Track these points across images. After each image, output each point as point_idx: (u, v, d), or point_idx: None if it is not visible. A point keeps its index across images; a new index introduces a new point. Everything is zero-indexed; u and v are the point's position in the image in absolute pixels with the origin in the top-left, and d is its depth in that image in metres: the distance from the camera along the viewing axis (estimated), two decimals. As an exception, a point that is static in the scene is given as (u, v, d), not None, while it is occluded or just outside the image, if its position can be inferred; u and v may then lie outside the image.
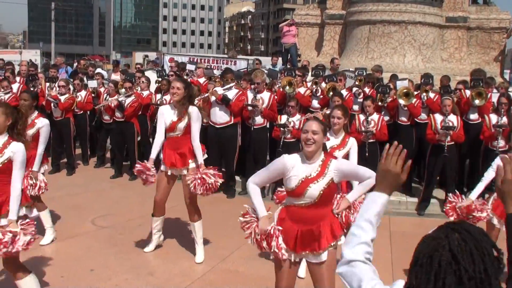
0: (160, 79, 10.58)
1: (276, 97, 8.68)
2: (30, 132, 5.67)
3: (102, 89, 10.56)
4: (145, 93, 9.74)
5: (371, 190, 2.20)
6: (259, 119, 8.40)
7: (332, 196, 3.68)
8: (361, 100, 8.39)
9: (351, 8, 12.71)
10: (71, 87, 9.89)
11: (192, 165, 5.41)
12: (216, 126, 8.29)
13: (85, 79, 11.05)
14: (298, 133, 7.78)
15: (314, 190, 3.47)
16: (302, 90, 9.09)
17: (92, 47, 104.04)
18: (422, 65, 11.73)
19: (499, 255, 1.56)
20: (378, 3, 12.01)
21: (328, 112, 7.47)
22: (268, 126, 8.60)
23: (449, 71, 11.40)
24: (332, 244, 3.55)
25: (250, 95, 8.43)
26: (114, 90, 9.49)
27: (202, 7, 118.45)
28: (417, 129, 8.45)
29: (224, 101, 8.10)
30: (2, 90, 9.40)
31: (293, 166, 3.54)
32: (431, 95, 8.56)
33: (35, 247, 5.47)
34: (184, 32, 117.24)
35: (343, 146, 5.20)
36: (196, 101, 6.04)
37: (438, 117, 7.71)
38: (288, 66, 12.97)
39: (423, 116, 8.50)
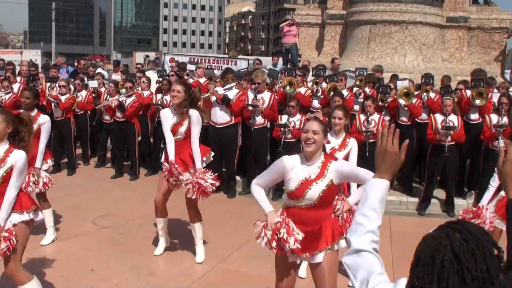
0: (160, 79, 10.60)
1: (276, 97, 8.68)
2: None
3: (102, 89, 10.57)
4: (146, 93, 9.75)
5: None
6: (259, 119, 8.40)
7: (333, 198, 3.66)
8: (362, 100, 8.39)
9: (351, 8, 12.71)
10: (71, 87, 9.90)
11: (187, 179, 5.40)
12: (217, 126, 8.28)
13: (85, 79, 11.06)
14: (299, 133, 7.78)
15: (314, 192, 3.46)
16: (302, 90, 9.09)
17: (92, 47, 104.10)
18: (422, 65, 11.73)
19: (500, 254, 1.56)
20: (378, 3, 12.00)
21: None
22: (268, 126, 8.60)
23: (450, 71, 11.39)
24: (329, 246, 3.53)
25: (250, 95, 8.43)
26: (114, 90, 9.50)
27: (203, 7, 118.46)
28: (418, 129, 8.44)
29: (224, 101, 8.10)
30: (3, 90, 9.41)
31: (292, 167, 3.54)
32: (432, 95, 8.56)
33: (35, 247, 5.49)
34: (184, 32, 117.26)
35: (344, 147, 5.19)
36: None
37: (439, 117, 7.70)
38: (289, 66, 12.97)
39: (424, 116, 8.50)
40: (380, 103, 8.40)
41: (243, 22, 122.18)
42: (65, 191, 8.01)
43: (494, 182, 5.12)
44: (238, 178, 8.76)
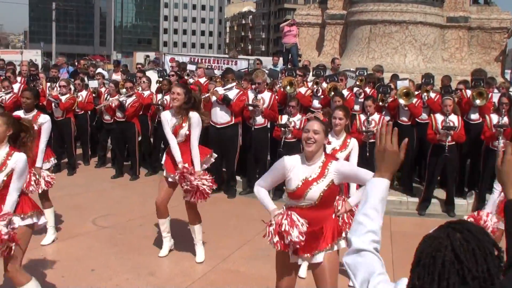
0: (161, 79, 10.60)
1: (277, 97, 8.68)
2: None
3: (103, 89, 10.57)
4: (146, 93, 9.75)
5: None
6: (259, 119, 8.40)
7: (334, 198, 3.66)
8: (362, 100, 8.39)
9: (352, 8, 12.71)
10: (72, 87, 9.90)
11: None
12: (217, 126, 8.28)
13: (86, 79, 11.06)
14: (299, 133, 7.79)
15: (315, 191, 3.46)
16: (303, 90, 9.09)
17: (93, 47, 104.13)
18: (423, 65, 11.73)
19: (500, 254, 1.56)
20: (379, 3, 12.00)
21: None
22: (269, 126, 8.59)
23: (450, 71, 11.39)
24: (329, 246, 3.52)
25: (251, 95, 8.43)
26: (114, 90, 9.50)
27: (203, 7, 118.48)
28: (418, 129, 8.44)
29: (225, 101, 8.10)
30: (3, 90, 9.41)
31: (293, 167, 3.54)
32: (432, 95, 8.56)
33: (36, 247, 5.49)
34: (185, 32, 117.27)
35: (345, 148, 5.19)
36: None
37: (439, 117, 7.70)
38: (289, 66, 12.97)
39: (424, 116, 8.50)
40: (381, 103, 8.40)
41: (243, 22, 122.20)
42: (66, 191, 8.01)
43: (498, 185, 5.11)
44: (238, 178, 8.76)
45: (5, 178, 3.83)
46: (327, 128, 3.73)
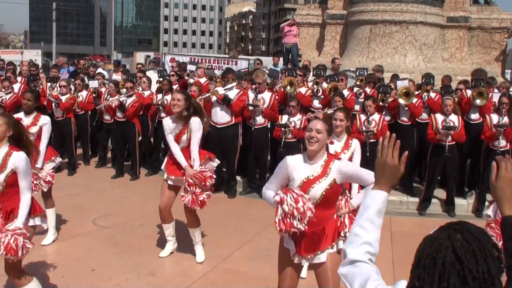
0: (161, 79, 10.60)
1: (277, 97, 8.68)
2: (34, 130, 5.74)
3: (103, 89, 10.57)
4: (146, 93, 9.75)
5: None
6: (260, 119, 8.40)
7: (336, 198, 3.64)
8: (362, 100, 8.39)
9: (352, 8, 12.71)
10: (72, 87, 9.90)
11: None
12: (217, 126, 8.28)
13: (86, 79, 11.06)
14: (299, 133, 7.80)
15: (316, 190, 3.46)
16: (303, 90, 9.09)
17: (93, 47, 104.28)
18: (423, 65, 11.73)
19: (500, 255, 1.56)
20: (379, 3, 12.00)
21: (329, 111, 7.48)
22: (269, 126, 8.59)
23: (450, 71, 11.39)
24: (330, 245, 3.52)
25: (251, 95, 8.43)
26: (114, 90, 9.50)
27: (203, 7, 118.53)
28: (418, 129, 8.44)
29: (225, 101, 8.10)
30: (4, 90, 9.41)
31: (295, 167, 3.54)
32: (432, 95, 8.56)
33: (36, 247, 5.48)
34: (185, 32, 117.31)
35: (347, 149, 5.18)
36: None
37: (439, 117, 7.70)
38: (289, 66, 12.98)
39: (424, 116, 8.50)
40: (381, 103, 8.40)
41: (243, 22, 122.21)
42: (66, 191, 8.02)
43: None
44: (238, 178, 8.76)
45: (6, 178, 3.82)
46: (330, 128, 3.72)
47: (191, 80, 10.44)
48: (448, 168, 7.75)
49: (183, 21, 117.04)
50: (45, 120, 5.80)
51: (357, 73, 9.70)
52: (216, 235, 6.36)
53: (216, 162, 5.71)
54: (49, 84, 10.42)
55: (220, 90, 8.15)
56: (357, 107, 8.81)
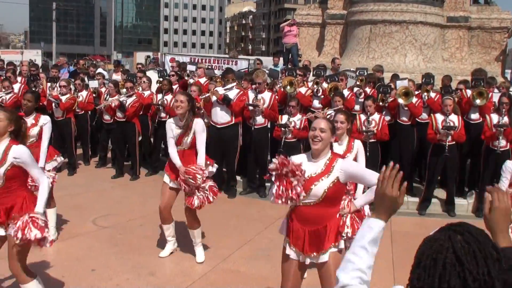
0: (161, 79, 10.60)
1: (277, 97, 8.68)
2: (35, 131, 5.75)
3: (103, 89, 10.57)
4: (147, 93, 9.75)
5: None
6: (260, 119, 8.40)
7: (339, 197, 3.63)
8: (362, 100, 8.39)
9: (352, 8, 12.71)
10: (72, 87, 9.90)
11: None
12: (217, 126, 8.28)
13: (86, 79, 11.06)
14: (299, 133, 7.80)
15: (319, 188, 3.46)
16: (303, 90, 9.09)
17: (93, 47, 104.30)
18: (423, 65, 11.73)
19: (500, 256, 1.56)
20: (379, 3, 12.00)
21: (329, 112, 7.48)
22: (269, 126, 8.60)
23: (450, 71, 11.39)
24: (333, 244, 3.52)
25: (251, 95, 8.43)
26: (114, 90, 9.50)
27: (203, 7, 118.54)
28: (418, 129, 8.44)
29: (225, 101, 8.10)
30: (4, 90, 9.41)
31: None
32: (432, 95, 8.56)
33: (36, 247, 5.48)
34: (185, 32, 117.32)
35: (350, 151, 5.19)
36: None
37: (439, 117, 7.70)
38: (289, 66, 12.98)
39: (424, 116, 8.50)
40: (381, 103, 8.40)
41: (243, 22, 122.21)
42: (66, 191, 8.01)
43: (503, 184, 5.11)
44: (238, 178, 8.76)
45: (6, 172, 3.84)
46: (334, 126, 3.72)
47: (191, 80, 10.44)
48: (448, 168, 7.75)
49: (183, 21, 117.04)
50: (45, 120, 5.81)
51: (357, 73, 9.70)
52: (216, 235, 6.36)
53: (215, 167, 5.71)
54: (49, 84, 10.42)
55: (220, 90, 8.15)
56: (357, 107, 8.81)
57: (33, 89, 9.42)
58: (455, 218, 7.70)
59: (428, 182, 7.96)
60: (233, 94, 8.22)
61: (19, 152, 3.87)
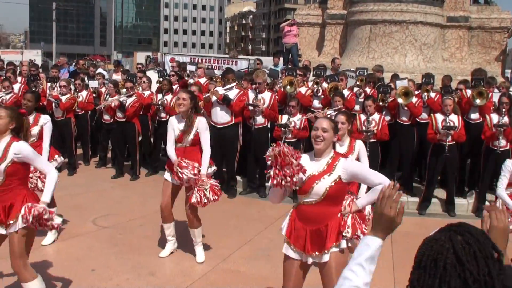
0: (161, 79, 10.60)
1: (277, 97, 8.68)
2: (35, 131, 5.75)
3: (103, 89, 10.57)
4: (147, 93, 9.75)
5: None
6: (260, 119, 8.40)
7: (341, 196, 3.62)
8: (362, 100, 8.39)
9: (352, 8, 12.71)
10: (72, 87, 9.90)
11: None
12: (217, 126, 8.28)
13: (86, 79, 11.06)
14: (299, 133, 7.81)
15: (320, 186, 3.47)
16: (303, 90, 9.09)
17: (93, 47, 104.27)
18: (423, 65, 11.73)
19: (500, 257, 1.56)
20: (379, 3, 12.01)
21: (329, 112, 7.48)
22: (269, 126, 8.60)
23: (450, 71, 11.39)
24: (334, 244, 3.51)
25: (251, 95, 8.43)
26: (114, 90, 9.50)
27: (203, 7, 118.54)
28: (418, 129, 8.45)
29: (225, 101, 8.10)
30: (4, 90, 9.41)
31: (302, 163, 3.55)
32: (432, 94, 8.56)
33: (36, 247, 5.48)
34: (185, 32, 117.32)
35: (352, 152, 5.18)
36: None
37: (439, 117, 7.70)
38: (289, 66, 12.97)
39: (424, 115, 8.50)
40: (381, 103, 8.40)
41: (243, 22, 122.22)
42: (66, 191, 8.01)
43: (503, 181, 5.12)
44: (238, 178, 8.76)
45: (6, 168, 3.84)
46: (337, 126, 3.72)
47: (191, 80, 10.44)
48: (448, 168, 7.75)
49: (183, 21, 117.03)
50: (45, 119, 5.82)
51: (357, 73, 9.71)
52: (216, 235, 6.36)
53: (213, 168, 5.69)
54: (49, 84, 10.42)
55: (220, 90, 8.15)
56: (357, 107, 8.81)
57: (33, 89, 9.42)
58: (455, 218, 7.70)
59: (428, 182, 7.96)
60: (233, 94, 8.23)
61: (20, 148, 3.88)
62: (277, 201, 3.77)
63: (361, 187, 4.92)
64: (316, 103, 9.08)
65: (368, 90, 9.13)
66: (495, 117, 7.66)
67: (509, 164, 5.16)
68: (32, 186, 5.36)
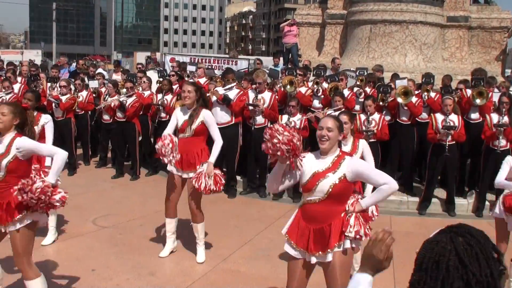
0: (161, 79, 10.60)
1: (277, 97, 8.68)
2: (36, 130, 5.74)
3: (103, 89, 10.57)
4: (147, 93, 9.74)
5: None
6: (260, 119, 8.40)
7: (346, 195, 3.59)
8: (362, 100, 8.39)
9: (352, 8, 12.71)
10: (72, 87, 9.90)
11: (199, 169, 5.41)
12: (217, 126, 8.26)
13: (86, 79, 11.06)
14: (299, 133, 7.79)
15: (325, 184, 3.47)
16: (303, 89, 9.09)
17: (93, 47, 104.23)
18: (423, 65, 11.73)
19: (500, 257, 1.56)
20: (379, 2, 12.00)
21: (329, 111, 7.47)
22: (269, 126, 8.57)
23: (450, 71, 11.39)
24: (337, 244, 3.49)
25: (251, 95, 8.43)
26: (113, 90, 9.50)
27: (203, 7, 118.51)
28: (418, 129, 8.45)
29: (225, 101, 8.10)
30: (4, 90, 9.40)
31: (306, 161, 3.57)
32: (432, 94, 8.56)
33: (36, 247, 5.48)
34: (185, 32, 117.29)
35: (355, 151, 5.18)
36: None
37: (439, 117, 7.70)
38: (289, 66, 12.96)
39: (424, 115, 8.50)
40: (381, 103, 8.40)
41: (243, 22, 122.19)
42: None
43: (501, 175, 5.11)
44: (238, 178, 8.76)
45: (8, 164, 3.84)
46: (342, 124, 3.72)
47: (191, 81, 10.43)
48: (448, 167, 7.75)
49: (183, 21, 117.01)
50: (46, 119, 5.82)
51: (357, 73, 9.70)
52: (216, 235, 6.35)
53: (204, 167, 5.68)
54: (49, 84, 10.41)
55: (220, 90, 8.15)
56: (357, 107, 8.81)
57: (33, 89, 9.41)
58: (455, 218, 7.70)
59: (428, 182, 7.96)
60: (233, 94, 8.23)
61: (21, 142, 3.88)
62: (275, 187, 3.72)
63: (367, 187, 4.91)
64: (316, 103, 9.08)
65: (368, 90, 9.12)
66: (495, 117, 7.66)
67: (510, 159, 5.15)
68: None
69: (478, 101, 8.21)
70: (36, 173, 3.90)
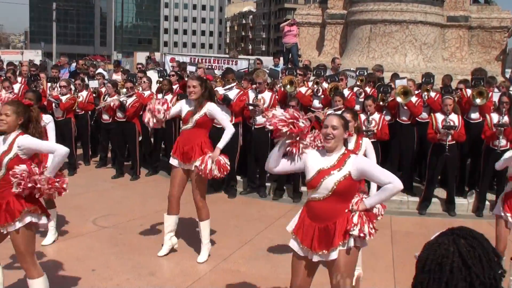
0: (161, 79, 10.60)
1: (277, 97, 8.68)
2: None
3: (103, 89, 10.57)
4: (147, 93, 9.74)
5: None
6: (260, 119, 8.37)
7: (351, 193, 3.58)
8: (362, 99, 8.39)
9: (352, 8, 12.71)
10: (72, 87, 9.90)
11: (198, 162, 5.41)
12: (217, 126, 8.25)
13: (86, 79, 11.06)
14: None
15: (329, 181, 3.47)
16: (303, 89, 9.09)
17: (93, 47, 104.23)
18: (423, 65, 11.73)
19: (499, 260, 1.56)
20: (379, 2, 12.00)
21: (329, 111, 7.47)
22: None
23: (450, 71, 11.39)
24: (341, 242, 3.48)
25: (251, 95, 8.43)
26: (113, 90, 9.50)
27: (203, 7, 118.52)
28: (418, 128, 8.45)
29: (225, 101, 8.10)
30: (4, 90, 9.40)
31: (312, 156, 3.59)
32: (432, 94, 8.56)
33: (36, 247, 5.47)
34: (185, 32, 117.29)
35: (358, 149, 5.18)
36: None
37: (439, 117, 7.70)
38: (289, 66, 12.96)
39: (424, 115, 8.50)
40: (381, 103, 8.40)
41: (243, 22, 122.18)
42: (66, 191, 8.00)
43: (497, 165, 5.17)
44: (238, 178, 8.76)
45: (9, 162, 3.83)
46: (347, 123, 3.72)
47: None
48: (448, 167, 7.75)
49: (183, 21, 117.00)
50: (47, 119, 5.81)
51: (357, 73, 9.70)
52: (217, 234, 6.35)
53: (197, 162, 5.68)
54: (49, 84, 10.41)
55: (220, 90, 8.15)
56: (357, 107, 8.80)
57: (34, 89, 9.41)
58: (456, 217, 7.71)
59: (428, 181, 7.96)
60: (233, 94, 8.22)
61: (22, 141, 3.88)
62: (272, 166, 3.75)
63: (371, 186, 4.91)
64: (316, 103, 9.08)
65: (368, 89, 9.12)
66: (495, 117, 7.66)
67: (509, 153, 5.18)
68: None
69: (478, 101, 8.21)
70: (35, 166, 3.89)
